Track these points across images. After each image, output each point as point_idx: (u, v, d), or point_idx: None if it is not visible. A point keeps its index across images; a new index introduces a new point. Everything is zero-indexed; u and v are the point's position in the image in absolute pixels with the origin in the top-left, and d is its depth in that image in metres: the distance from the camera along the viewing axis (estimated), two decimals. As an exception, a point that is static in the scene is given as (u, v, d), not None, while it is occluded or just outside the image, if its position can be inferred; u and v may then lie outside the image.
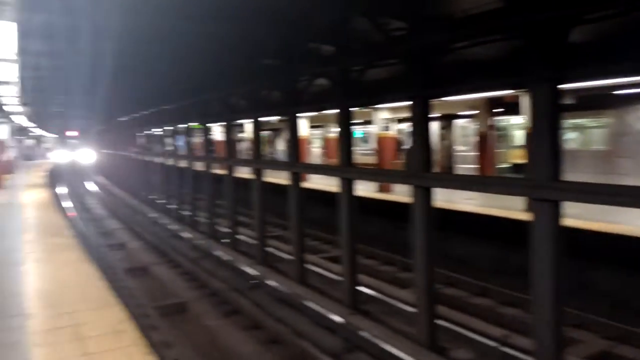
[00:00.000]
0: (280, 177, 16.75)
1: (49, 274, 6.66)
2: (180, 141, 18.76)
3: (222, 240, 13.57)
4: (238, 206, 13.38)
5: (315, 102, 10.17)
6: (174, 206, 17.83)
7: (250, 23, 6.87)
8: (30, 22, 5.13)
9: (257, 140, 10.57)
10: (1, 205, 14.18)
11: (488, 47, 5.96)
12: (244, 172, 18.86)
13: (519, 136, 15.95)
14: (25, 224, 11.25)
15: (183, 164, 16.64)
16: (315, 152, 24.20)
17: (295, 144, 9.27)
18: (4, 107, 15.94)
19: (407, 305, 8.06)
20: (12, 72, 8.07)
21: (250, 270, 10.66)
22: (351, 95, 7.74)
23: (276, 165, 13.20)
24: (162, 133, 20.04)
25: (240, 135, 22.38)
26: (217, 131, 19.42)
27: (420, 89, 6.30)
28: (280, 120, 22.75)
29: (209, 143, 14.21)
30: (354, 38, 7.27)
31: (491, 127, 14.94)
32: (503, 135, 16.57)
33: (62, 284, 6.13)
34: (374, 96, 8.91)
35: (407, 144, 19.38)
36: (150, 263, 12.39)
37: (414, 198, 6.52)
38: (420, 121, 6.41)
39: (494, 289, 8.91)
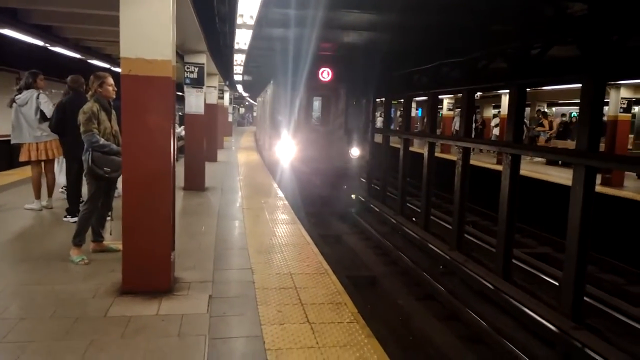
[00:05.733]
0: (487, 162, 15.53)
1: (268, 231, 7.07)
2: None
3: (413, 219, 13.20)
4: (434, 188, 12.77)
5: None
6: (363, 180, 18.01)
7: None
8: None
9: (469, 115, 9.65)
10: (224, 163, 16.15)
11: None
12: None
13: None
14: (242, 181, 12.51)
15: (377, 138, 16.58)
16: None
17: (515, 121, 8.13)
18: (234, 76, 17.79)
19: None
20: (246, 40, 8.62)
21: (443, 255, 10.06)
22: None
23: (488, 144, 12.12)
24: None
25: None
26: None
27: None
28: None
29: (408, 117, 13.76)
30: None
31: None
32: None
33: (280, 243, 6.43)
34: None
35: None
36: (342, 232, 12.71)
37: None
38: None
39: None
